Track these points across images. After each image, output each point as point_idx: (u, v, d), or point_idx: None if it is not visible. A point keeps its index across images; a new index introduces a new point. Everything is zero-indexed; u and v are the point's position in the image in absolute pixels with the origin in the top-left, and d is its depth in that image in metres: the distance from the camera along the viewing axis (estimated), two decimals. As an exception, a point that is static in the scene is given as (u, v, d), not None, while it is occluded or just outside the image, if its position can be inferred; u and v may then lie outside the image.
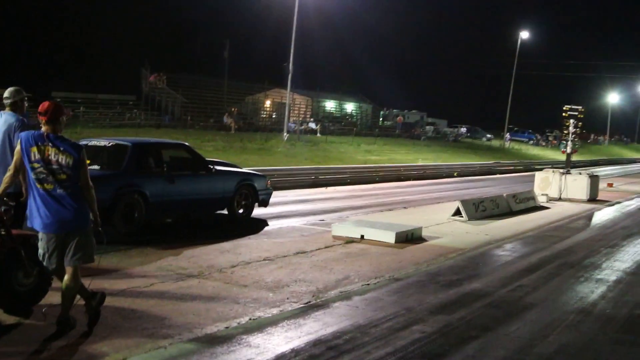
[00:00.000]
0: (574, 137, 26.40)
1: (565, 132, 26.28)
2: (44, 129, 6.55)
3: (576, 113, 25.99)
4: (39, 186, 6.48)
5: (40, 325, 6.93)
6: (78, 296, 6.85)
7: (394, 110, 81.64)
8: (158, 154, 13.23)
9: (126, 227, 12.08)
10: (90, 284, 7.15)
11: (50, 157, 6.46)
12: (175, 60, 68.48)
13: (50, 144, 6.48)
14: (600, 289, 10.18)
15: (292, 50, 43.64)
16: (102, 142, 12.95)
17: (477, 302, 8.98)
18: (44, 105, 6.57)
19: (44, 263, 6.75)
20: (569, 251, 13.45)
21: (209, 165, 14.01)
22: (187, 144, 14.93)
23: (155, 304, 8.06)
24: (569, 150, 26.59)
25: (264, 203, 15.50)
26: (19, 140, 6.63)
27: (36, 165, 6.46)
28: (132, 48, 64.71)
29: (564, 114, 26.01)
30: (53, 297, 7.44)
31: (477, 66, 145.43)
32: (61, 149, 6.48)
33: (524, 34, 69.16)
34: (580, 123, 26.19)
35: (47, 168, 6.45)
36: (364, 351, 6.65)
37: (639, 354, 7.36)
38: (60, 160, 6.46)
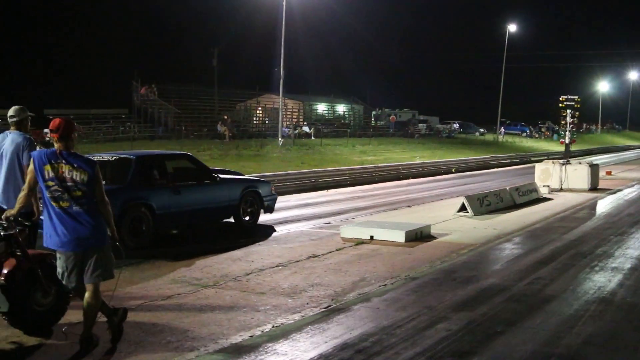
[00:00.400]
0: (572, 127, 26.40)
1: (563, 122, 26.27)
2: (56, 146, 6.46)
3: (573, 103, 25.98)
4: (54, 204, 6.39)
5: (63, 345, 6.85)
6: (99, 313, 6.77)
7: (386, 110, 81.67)
8: (162, 165, 13.18)
9: (134, 240, 11.99)
10: (111, 300, 7.06)
11: (64, 175, 6.37)
12: (165, 71, 68.55)
13: (63, 161, 6.39)
14: (617, 278, 10.14)
15: (282, 56, 43.57)
16: (106, 157, 12.86)
17: (497, 297, 8.93)
18: (55, 122, 6.48)
19: (64, 282, 6.66)
20: (580, 241, 13.42)
21: (214, 174, 13.94)
22: (190, 154, 14.86)
23: (175, 316, 7.98)
24: (567, 140, 26.58)
25: (270, 209, 15.42)
26: (32, 159, 6.53)
27: (51, 183, 6.38)
28: (121, 61, 64.71)
29: (560, 105, 26.00)
30: (71, 316, 7.37)
31: (466, 61, 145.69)
32: (75, 165, 6.40)
33: (512, 27, 69.28)
34: (577, 113, 26.18)
35: (61, 186, 6.36)
36: (392, 352, 6.58)
37: (667, 340, 7.31)
38: (74, 177, 6.38)
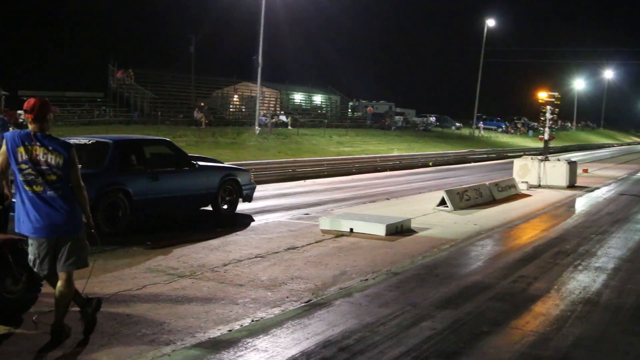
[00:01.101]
0: (552, 124, 26.33)
1: (542, 119, 26.20)
2: (30, 127, 6.13)
3: (553, 100, 25.92)
4: (27, 189, 6.07)
5: (33, 335, 6.55)
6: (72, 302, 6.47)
7: (363, 101, 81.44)
8: (140, 150, 12.84)
9: (110, 227, 11.66)
10: (84, 289, 6.74)
11: (38, 158, 6.05)
12: (142, 55, 67.74)
13: (38, 143, 6.07)
14: (602, 278, 10.00)
15: (260, 44, 43.14)
16: (83, 140, 12.47)
17: (481, 295, 8.73)
18: (30, 102, 6.15)
19: (35, 269, 6.35)
20: (561, 239, 13.28)
21: (192, 161, 13.63)
22: (168, 139, 14.52)
23: (151, 307, 7.68)
24: (546, 137, 26.52)
25: (248, 198, 15.15)
26: (4, 141, 6.19)
27: (24, 166, 6.05)
28: (98, 44, 63.85)
29: (540, 101, 25.92)
30: (42, 304, 7.08)
31: (443, 55, 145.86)
32: (50, 148, 6.08)
33: (491, 22, 69.35)
34: (557, 110, 26.13)
35: (35, 169, 6.04)
36: (377, 351, 6.35)
37: (656, 344, 7.15)
38: (49, 160, 6.06)
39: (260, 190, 19.14)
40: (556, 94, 26.34)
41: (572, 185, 24.81)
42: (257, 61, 44.11)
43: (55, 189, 6.09)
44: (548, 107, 25.92)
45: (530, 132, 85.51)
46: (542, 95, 25.89)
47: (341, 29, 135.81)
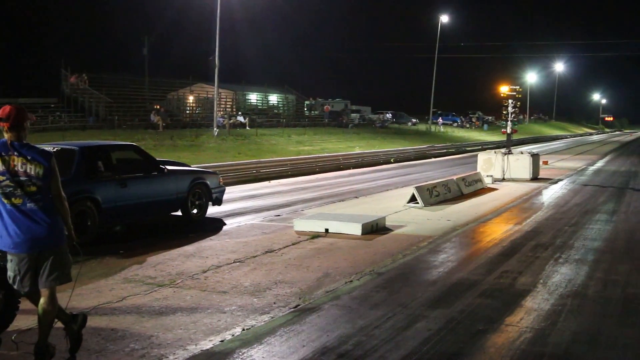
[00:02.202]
0: (513, 117, 26.50)
1: (505, 112, 26.33)
2: (6, 136, 5.81)
3: (514, 93, 26.08)
4: (5, 202, 5.74)
5: (14, 356, 6.21)
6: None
7: (319, 99, 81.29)
8: (107, 157, 12.48)
9: (79, 237, 11.24)
10: (67, 304, 6.42)
11: (17, 168, 5.73)
12: (96, 59, 66.73)
13: (15, 153, 5.75)
14: (584, 270, 9.97)
15: (217, 44, 42.65)
16: (47, 148, 12.03)
17: (469, 292, 8.62)
18: (5, 110, 5.83)
19: (15, 287, 6.00)
20: (536, 232, 13.27)
21: (161, 166, 13.30)
22: (136, 144, 14.15)
23: (135, 320, 7.39)
24: (509, 130, 26.69)
25: (218, 201, 14.87)
26: (-22, 151, 5.85)
27: (1, 178, 5.72)
28: (50, 49, 62.64)
29: (502, 95, 26.06)
30: (20, 322, 6.75)
31: (396, 51, 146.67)
32: (29, 157, 5.77)
33: (444, 18, 69.81)
34: (519, 103, 26.30)
35: (14, 180, 5.72)
36: (377, 356, 6.17)
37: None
38: (28, 170, 5.75)
39: (227, 192, 18.81)
40: (517, 87, 26.54)
41: (535, 178, 25.00)
42: (214, 62, 43.57)
43: (36, 201, 5.78)
44: (510, 101, 26.07)
45: (485, 125, 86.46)
46: (504, 89, 26.07)
47: (295, 28, 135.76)
